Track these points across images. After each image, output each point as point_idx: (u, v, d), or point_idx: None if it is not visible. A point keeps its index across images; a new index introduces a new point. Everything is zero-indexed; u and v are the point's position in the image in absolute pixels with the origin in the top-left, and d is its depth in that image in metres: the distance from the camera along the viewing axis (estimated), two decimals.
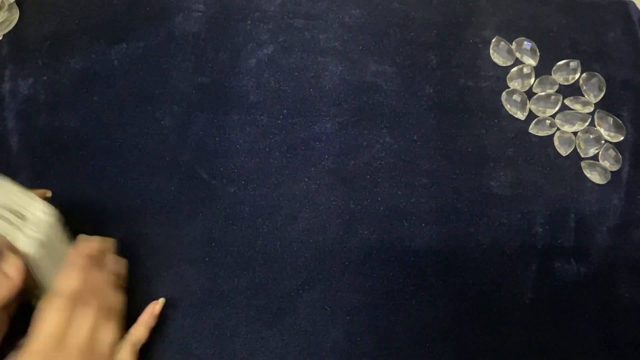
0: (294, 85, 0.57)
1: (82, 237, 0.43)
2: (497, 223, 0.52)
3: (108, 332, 0.40)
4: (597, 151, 0.55)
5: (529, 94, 0.58)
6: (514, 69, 0.58)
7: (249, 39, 0.59)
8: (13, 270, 0.37)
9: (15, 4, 0.60)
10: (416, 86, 0.57)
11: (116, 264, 0.44)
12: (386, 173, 0.53)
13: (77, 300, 0.39)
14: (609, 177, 0.54)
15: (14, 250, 0.38)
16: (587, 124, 0.56)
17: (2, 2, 0.59)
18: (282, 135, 0.55)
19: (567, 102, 0.57)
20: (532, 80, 0.58)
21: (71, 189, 0.52)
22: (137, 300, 0.46)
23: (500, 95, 0.57)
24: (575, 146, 0.56)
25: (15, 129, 0.54)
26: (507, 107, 0.57)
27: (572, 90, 0.58)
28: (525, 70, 0.58)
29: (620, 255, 0.51)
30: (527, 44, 0.59)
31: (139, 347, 0.42)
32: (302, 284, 0.49)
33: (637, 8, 0.62)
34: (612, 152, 0.55)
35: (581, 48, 0.60)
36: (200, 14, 0.60)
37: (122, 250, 0.47)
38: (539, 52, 0.59)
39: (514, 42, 0.60)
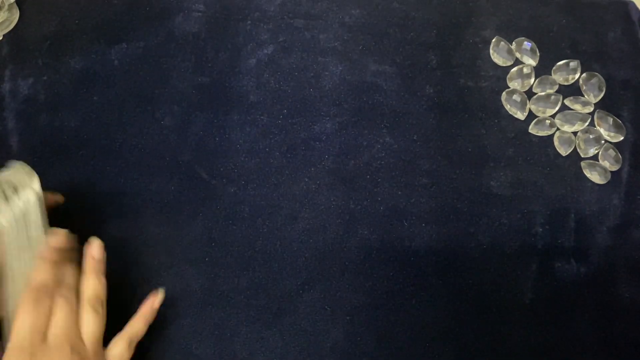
0: (294, 85, 0.57)
1: (54, 230, 0.42)
2: (497, 223, 0.52)
3: (91, 324, 0.39)
4: (597, 151, 0.55)
5: (529, 94, 0.58)
6: (514, 69, 0.58)
7: (249, 39, 0.59)
8: None
9: (15, 4, 0.60)
10: (416, 86, 0.57)
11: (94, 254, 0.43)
12: (386, 173, 0.53)
13: (53, 292, 0.38)
14: (609, 177, 0.54)
15: None
16: (587, 124, 0.56)
17: (2, 2, 0.59)
18: (282, 135, 0.55)
19: (567, 102, 0.57)
20: (532, 80, 0.58)
21: (71, 189, 0.52)
22: (137, 300, 0.46)
23: (500, 95, 0.57)
24: (575, 146, 0.56)
25: (15, 129, 0.54)
26: (507, 107, 0.57)
27: (572, 90, 0.58)
28: (525, 70, 0.58)
29: (620, 255, 0.51)
30: (527, 44, 0.59)
31: (136, 341, 0.42)
32: (302, 284, 0.49)
33: (637, 8, 0.62)
34: (612, 152, 0.55)
35: (581, 48, 0.60)
36: (200, 14, 0.60)
37: (122, 250, 0.47)
38: (539, 52, 0.59)
39: (514, 42, 0.60)
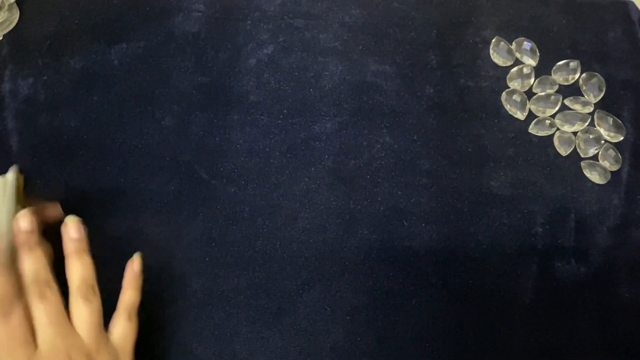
0: (294, 85, 0.57)
1: (23, 213, 0.39)
2: (497, 223, 0.52)
3: (84, 314, 0.38)
4: (597, 151, 0.55)
5: (529, 94, 0.58)
6: (514, 69, 0.58)
7: (249, 39, 0.59)
8: None
9: (15, 4, 0.60)
10: (416, 86, 0.57)
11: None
12: (386, 173, 0.53)
13: (18, 297, 0.36)
14: (609, 177, 0.54)
15: None
16: (587, 124, 0.56)
17: (2, 2, 0.59)
18: (282, 135, 0.55)
19: (567, 102, 0.57)
20: (532, 80, 0.58)
21: (71, 189, 0.52)
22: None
23: (500, 95, 0.57)
24: (575, 146, 0.56)
25: (15, 129, 0.54)
26: (507, 107, 0.57)
27: (572, 90, 0.58)
28: (525, 70, 0.58)
29: (620, 255, 0.51)
30: (527, 44, 0.59)
31: (134, 312, 0.41)
32: (302, 284, 0.49)
33: (637, 8, 0.62)
34: (612, 152, 0.55)
35: (581, 48, 0.60)
36: (200, 14, 0.60)
37: (122, 250, 0.47)
38: (539, 52, 0.59)
39: (514, 42, 0.60)
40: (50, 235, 0.42)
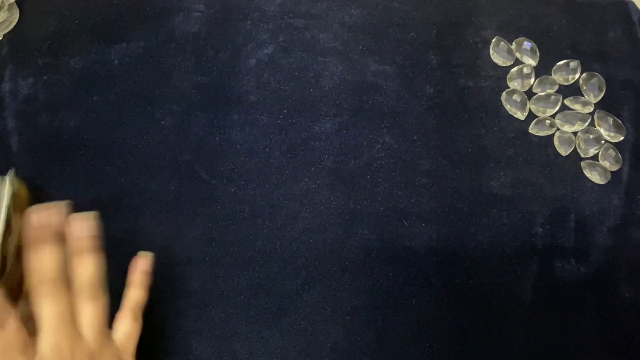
0: (294, 85, 0.57)
1: (34, 209, 0.37)
2: (497, 223, 0.52)
3: (90, 313, 0.37)
4: (597, 151, 0.55)
5: (529, 94, 0.58)
6: (514, 69, 0.58)
7: (249, 39, 0.59)
8: None
9: (15, 4, 0.60)
10: (416, 86, 0.57)
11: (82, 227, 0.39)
12: (386, 173, 0.53)
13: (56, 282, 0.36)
14: (609, 177, 0.54)
15: None
16: (587, 124, 0.56)
17: (2, 2, 0.59)
18: (282, 135, 0.55)
19: (567, 102, 0.57)
20: (532, 80, 0.58)
21: (71, 189, 0.52)
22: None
23: (500, 95, 0.57)
24: (575, 146, 0.56)
25: (15, 129, 0.54)
26: (507, 107, 0.57)
27: (572, 90, 0.58)
28: (525, 70, 0.58)
29: (620, 255, 0.51)
30: (527, 44, 0.59)
31: (140, 311, 0.40)
32: (302, 284, 0.49)
33: (637, 8, 0.62)
34: (612, 152, 0.55)
35: (581, 48, 0.60)
36: (200, 14, 0.60)
37: (122, 251, 0.47)
38: (539, 52, 0.59)
39: (514, 42, 0.60)
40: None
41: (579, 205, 0.53)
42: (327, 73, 0.58)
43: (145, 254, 0.43)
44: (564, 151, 0.55)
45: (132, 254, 0.48)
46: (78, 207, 0.51)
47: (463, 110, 0.57)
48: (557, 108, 0.57)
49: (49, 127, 0.54)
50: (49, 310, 0.35)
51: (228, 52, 0.58)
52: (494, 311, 0.49)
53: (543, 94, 0.58)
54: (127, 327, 0.39)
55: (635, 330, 0.48)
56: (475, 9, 0.62)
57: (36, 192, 0.49)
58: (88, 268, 0.38)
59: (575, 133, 0.56)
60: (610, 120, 0.56)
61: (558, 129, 0.56)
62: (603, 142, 0.55)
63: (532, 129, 0.56)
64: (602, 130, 0.56)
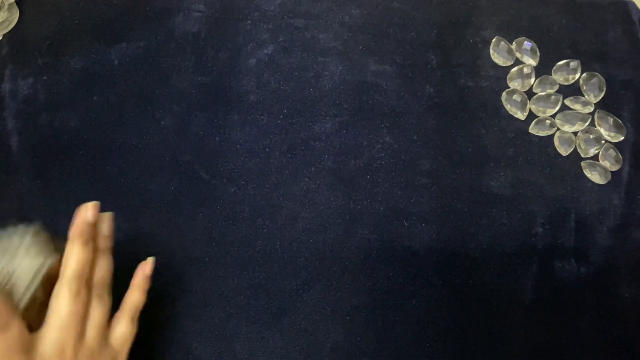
0: (294, 85, 0.57)
1: (88, 205, 0.39)
2: (497, 223, 0.52)
3: (96, 312, 0.38)
4: (597, 151, 0.55)
5: (529, 94, 0.58)
6: (514, 69, 0.58)
7: (249, 39, 0.59)
8: None
9: (15, 4, 0.60)
10: (416, 86, 0.57)
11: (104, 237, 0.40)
12: (386, 173, 0.53)
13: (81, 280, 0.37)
14: (609, 177, 0.54)
15: None
16: (587, 124, 0.56)
17: (2, 2, 0.59)
18: (282, 135, 0.55)
19: (567, 102, 0.57)
20: (532, 80, 0.58)
21: (71, 189, 0.52)
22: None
23: (500, 95, 0.57)
24: (576, 146, 0.56)
25: (15, 129, 0.54)
26: (507, 107, 0.57)
27: (572, 90, 0.58)
28: (526, 70, 0.58)
29: (620, 255, 0.51)
30: (527, 44, 0.59)
31: (137, 314, 0.40)
32: (302, 284, 0.49)
33: (637, 8, 0.62)
34: (612, 152, 0.55)
35: (581, 48, 0.60)
36: (200, 14, 0.60)
37: (122, 250, 0.47)
38: (539, 52, 0.59)
39: (514, 42, 0.60)
40: None
41: (579, 205, 0.53)
42: (327, 73, 0.58)
43: (150, 259, 0.43)
44: (564, 151, 0.55)
45: (132, 254, 0.48)
46: (78, 207, 0.51)
47: (463, 110, 0.57)
48: (557, 108, 0.57)
49: (49, 127, 0.54)
50: (64, 307, 0.36)
51: (228, 52, 0.58)
52: (494, 311, 0.48)
53: (543, 94, 0.58)
54: (123, 329, 0.39)
55: (635, 330, 0.48)
56: (475, 9, 0.62)
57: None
58: (101, 268, 0.39)
59: (575, 133, 0.56)
60: (611, 120, 0.56)
61: (558, 129, 0.56)
62: (603, 142, 0.55)
63: (532, 129, 0.56)
64: (602, 130, 0.56)
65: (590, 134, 0.56)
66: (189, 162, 0.53)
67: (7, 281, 0.36)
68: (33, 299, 0.37)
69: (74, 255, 0.37)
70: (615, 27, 0.61)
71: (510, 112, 0.57)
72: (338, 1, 0.62)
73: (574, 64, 0.58)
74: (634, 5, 0.63)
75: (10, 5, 0.59)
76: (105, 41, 0.58)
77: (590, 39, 0.60)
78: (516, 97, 0.57)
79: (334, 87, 0.57)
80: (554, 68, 0.59)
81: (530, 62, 0.59)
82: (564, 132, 0.56)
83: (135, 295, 0.41)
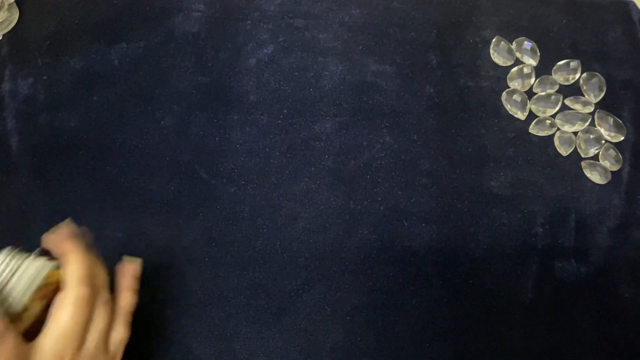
0: (294, 85, 0.57)
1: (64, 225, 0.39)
2: (497, 223, 0.52)
3: (102, 318, 0.37)
4: (597, 151, 0.55)
5: (529, 94, 0.58)
6: (514, 69, 0.58)
7: (249, 39, 0.59)
8: None
9: (15, 4, 0.60)
10: (416, 86, 0.57)
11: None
12: (386, 173, 0.53)
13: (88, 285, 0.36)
14: (609, 177, 0.54)
15: None
16: (587, 124, 0.56)
17: (2, 2, 0.59)
18: (282, 135, 0.55)
19: (567, 102, 0.57)
20: (532, 80, 0.58)
21: (71, 189, 0.52)
22: (137, 300, 0.46)
23: (500, 95, 0.57)
24: (576, 146, 0.56)
25: (15, 129, 0.54)
26: (507, 107, 0.57)
27: (572, 90, 0.58)
28: (526, 70, 0.58)
29: (620, 255, 0.51)
30: (527, 44, 0.59)
31: (130, 317, 0.40)
32: (302, 284, 0.49)
33: (637, 8, 0.62)
34: (612, 152, 0.55)
35: (581, 48, 0.60)
36: (200, 13, 0.60)
37: (122, 251, 0.47)
38: (539, 52, 0.59)
39: (514, 42, 0.60)
40: None
41: (579, 205, 0.53)
42: (327, 73, 0.58)
43: (132, 259, 0.43)
44: (564, 151, 0.55)
45: (132, 254, 0.48)
46: (78, 207, 0.51)
47: (463, 110, 0.57)
48: (557, 108, 0.57)
49: (49, 127, 0.54)
50: (66, 316, 0.35)
51: (228, 52, 0.58)
52: (494, 311, 0.48)
53: (543, 93, 0.57)
54: (120, 334, 0.39)
55: (635, 330, 0.48)
56: (475, 9, 0.62)
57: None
58: (100, 272, 0.39)
59: (575, 133, 0.56)
60: (611, 120, 0.56)
61: (558, 129, 0.56)
62: (603, 142, 0.55)
63: (533, 129, 0.56)
64: (602, 130, 0.56)
65: (591, 134, 0.56)
66: (189, 162, 0.53)
67: (2, 288, 0.36)
68: (30, 307, 0.37)
69: (77, 261, 0.37)
70: (615, 27, 0.61)
71: (510, 112, 0.57)
72: (338, 1, 0.62)
73: (574, 64, 0.58)
74: (634, 5, 0.63)
75: (10, 5, 0.59)
76: (105, 41, 0.58)
77: (590, 39, 0.60)
78: (516, 97, 0.57)
79: (334, 87, 0.57)
80: (554, 68, 0.59)
81: (531, 62, 0.59)
82: (564, 132, 0.56)
83: (127, 298, 0.40)
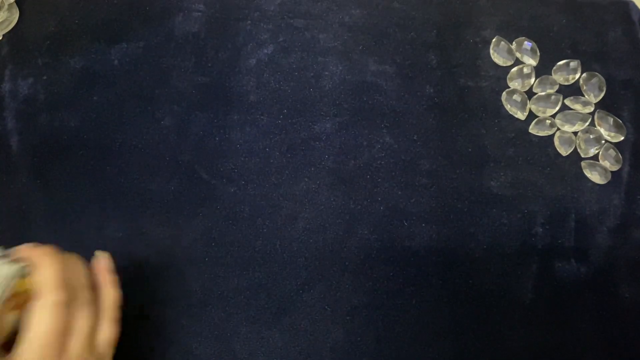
0: (294, 85, 0.57)
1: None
2: (497, 223, 0.52)
3: (83, 318, 0.36)
4: (597, 151, 0.55)
5: (529, 94, 0.58)
6: (514, 69, 0.58)
7: (249, 39, 0.59)
8: None
9: (15, 4, 0.60)
10: (416, 86, 0.57)
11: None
12: (386, 173, 0.53)
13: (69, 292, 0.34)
14: (609, 177, 0.54)
15: None
16: (587, 124, 0.56)
17: (2, 2, 0.59)
18: (282, 135, 0.55)
19: (567, 102, 0.57)
20: (532, 80, 0.58)
21: (71, 189, 0.52)
22: (137, 300, 0.46)
23: (500, 95, 0.57)
24: (576, 146, 0.56)
25: (15, 129, 0.54)
26: (507, 107, 0.57)
27: (572, 90, 0.58)
28: (526, 70, 0.58)
29: (620, 255, 0.51)
30: (527, 44, 0.59)
31: (117, 310, 0.38)
32: (302, 284, 0.49)
33: (637, 8, 0.62)
34: (612, 152, 0.55)
35: (581, 48, 0.60)
36: (200, 13, 0.60)
37: (122, 251, 0.47)
38: (539, 52, 0.59)
39: (514, 42, 0.60)
40: None
41: (579, 205, 0.53)
42: (327, 73, 0.58)
43: (102, 253, 0.41)
44: (564, 151, 0.55)
45: (132, 254, 0.49)
46: (78, 207, 0.51)
47: (463, 110, 0.57)
48: (557, 108, 0.57)
49: (49, 127, 0.54)
50: (43, 324, 0.33)
51: (228, 52, 0.58)
52: (494, 311, 0.48)
53: (543, 93, 0.57)
54: (107, 333, 0.37)
55: (635, 330, 0.48)
56: (475, 9, 0.62)
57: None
58: (76, 271, 0.37)
59: (575, 133, 0.56)
60: (611, 120, 0.56)
61: (558, 129, 0.56)
62: (603, 142, 0.55)
63: (533, 129, 0.56)
64: (602, 130, 0.56)
65: (590, 134, 0.56)
66: (189, 162, 0.53)
67: None
68: (4, 319, 0.35)
69: (50, 264, 0.35)
70: (615, 27, 0.61)
71: (510, 112, 0.57)
72: (338, 1, 0.62)
73: (574, 64, 0.58)
74: (634, 5, 0.63)
75: (10, 5, 0.59)
76: (105, 41, 0.58)
77: (590, 39, 0.60)
78: (516, 97, 0.57)
79: (334, 87, 0.57)
80: (554, 68, 0.59)
81: (530, 62, 0.59)
82: (564, 132, 0.56)
83: (109, 294, 0.38)
